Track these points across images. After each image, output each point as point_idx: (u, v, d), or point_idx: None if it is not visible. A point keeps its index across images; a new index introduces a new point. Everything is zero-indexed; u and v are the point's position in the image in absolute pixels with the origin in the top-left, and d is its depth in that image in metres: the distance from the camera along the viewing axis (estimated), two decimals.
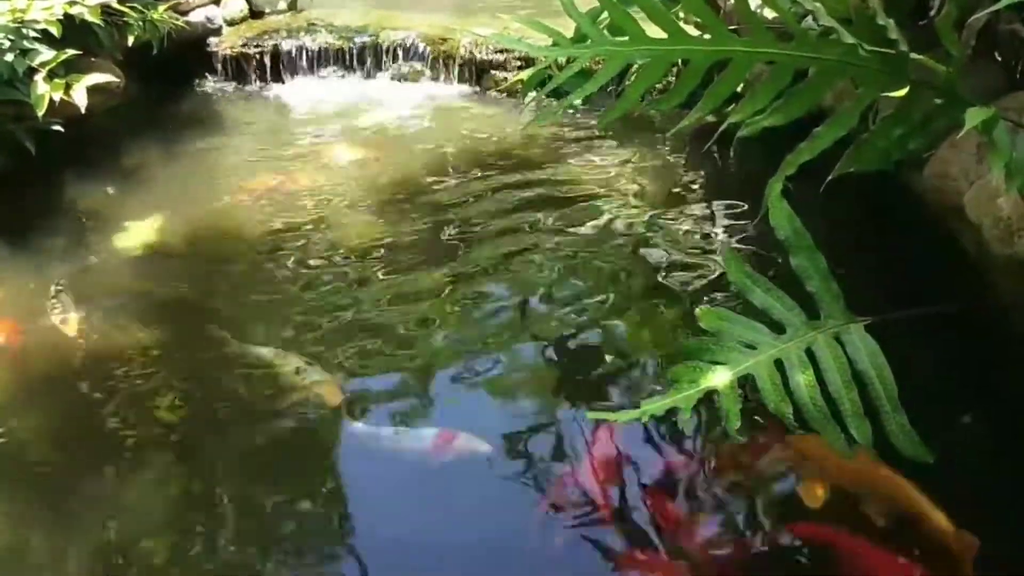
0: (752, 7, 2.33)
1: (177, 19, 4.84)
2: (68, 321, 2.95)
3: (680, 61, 2.61)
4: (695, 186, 4.00)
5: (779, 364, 2.13)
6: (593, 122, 4.66)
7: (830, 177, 2.35)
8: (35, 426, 2.54)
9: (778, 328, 2.24)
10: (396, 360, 2.80)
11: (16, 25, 3.75)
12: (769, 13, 2.60)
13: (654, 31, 2.34)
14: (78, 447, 2.48)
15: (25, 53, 3.77)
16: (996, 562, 1.96)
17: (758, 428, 2.25)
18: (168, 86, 5.09)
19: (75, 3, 3.92)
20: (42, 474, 2.39)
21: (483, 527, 2.21)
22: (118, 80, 4.24)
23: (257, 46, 5.36)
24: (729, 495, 2.21)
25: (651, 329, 2.93)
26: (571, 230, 3.56)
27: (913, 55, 2.12)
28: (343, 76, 5.37)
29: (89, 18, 4.03)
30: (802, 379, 2.07)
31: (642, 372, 2.73)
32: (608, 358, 2.80)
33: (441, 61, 5.27)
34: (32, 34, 3.82)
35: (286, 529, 2.21)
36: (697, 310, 2.26)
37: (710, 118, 2.65)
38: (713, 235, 3.47)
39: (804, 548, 2.06)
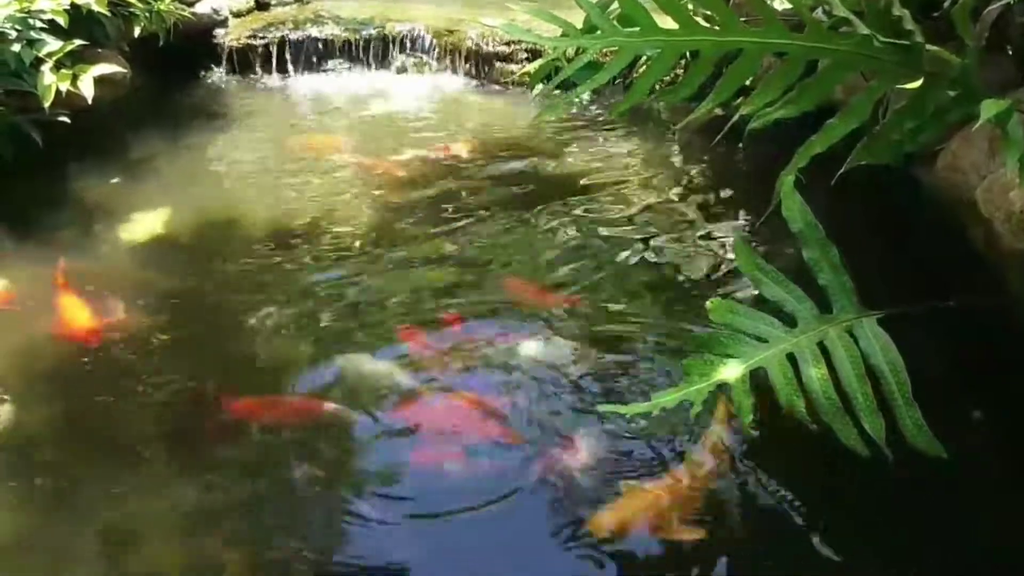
0: None
1: (183, 10, 4.83)
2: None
3: (688, 53, 2.61)
4: (703, 178, 3.99)
5: (791, 358, 2.12)
6: (600, 114, 4.65)
7: (842, 169, 2.34)
8: (40, 417, 2.53)
9: (790, 321, 2.23)
10: (398, 352, 2.80)
11: (23, 15, 3.74)
12: (779, 4, 2.59)
13: (664, 22, 2.32)
14: (83, 438, 2.47)
15: (32, 43, 3.76)
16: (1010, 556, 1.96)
17: None
18: (174, 78, 5.08)
19: None
20: (47, 464, 2.38)
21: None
22: (124, 71, 4.23)
23: (263, 38, 5.35)
24: None
25: (660, 321, 2.92)
26: (578, 222, 3.55)
27: (928, 47, 2.11)
28: (349, 68, 5.36)
29: (96, 8, 4.01)
30: (815, 373, 2.06)
31: (651, 364, 2.71)
32: (616, 350, 2.79)
33: (447, 53, 5.25)
34: (39, 24, 3.81)
35: (292, 516, 2.21)
36: (708, 303, 2.24)
37: (718, 111, 2.63)
38: (723, 227, 3.46)
39: None
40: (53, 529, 2.16)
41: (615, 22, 2.44)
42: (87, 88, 3.82)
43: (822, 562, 2.03)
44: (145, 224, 3.56)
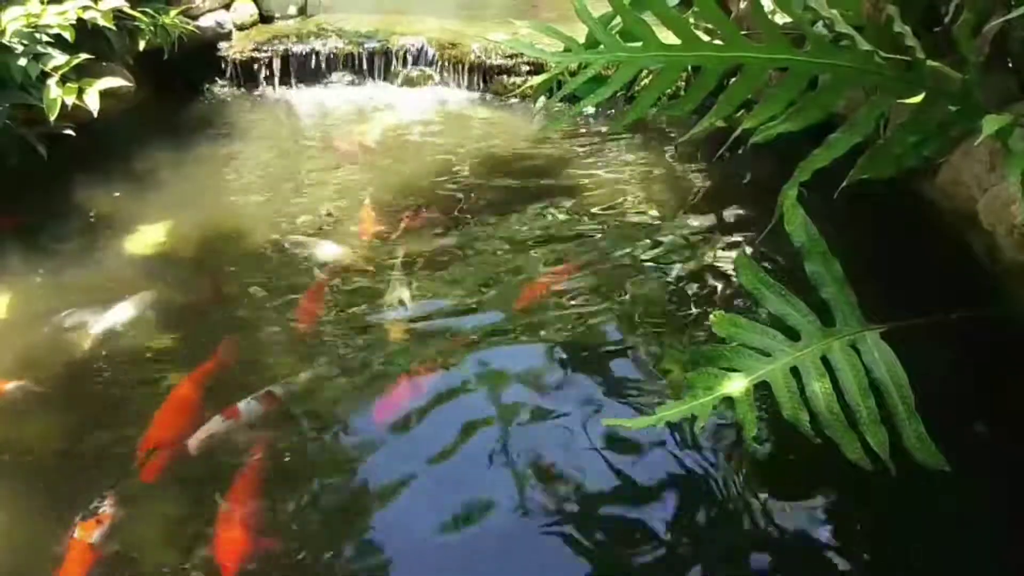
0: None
1: (188, 24, 4.85)
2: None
3: (691, 67, 2.61)
4: (705, 191, 4.00)
5: (795, 372, 2.12)
6: (602, 128, 4.66)
7: (844, 183, 2.34)
8: (44, 429, 2.55)
9: (793, 335, 2.23)
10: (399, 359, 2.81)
11: (30, 30, 3.76)
12: (780, 19, 2.60)
13: (667, 36, 2.34)
14: (87, 451, 2.48)
15: (38, 57, 3.78)
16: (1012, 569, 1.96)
17: None
18: (178, 91, 5.11)
19: (88, 8, 3.92)
20: (49, 478, 2.39)
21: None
22: (129, 85, 4.26)
23: (267, 51, 5.37)
24: None
25: (664, 334, 2.93)
26: (580, 235, 3.56)
27: (929, 62, 2.12)
28: (353, 81, 5.38)
29: (102, 23, 4.03)
30: (818, 387, 2.06)
31: (655, 378, 2.72)
32: (620, 364, 2.80)
33: (451, 66, 5.27)
34: (45, 39, 3.83)
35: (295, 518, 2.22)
36: (711, 317, 2.25)
37: (720, 124, 2.64)
38: (725, 240, 3.47)
39: None
40: (52, 537, 2.16)
41: (617, 37, 2.45)
42: (93, 101, 3.83)
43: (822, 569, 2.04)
44: (149, 235, 3.58)
